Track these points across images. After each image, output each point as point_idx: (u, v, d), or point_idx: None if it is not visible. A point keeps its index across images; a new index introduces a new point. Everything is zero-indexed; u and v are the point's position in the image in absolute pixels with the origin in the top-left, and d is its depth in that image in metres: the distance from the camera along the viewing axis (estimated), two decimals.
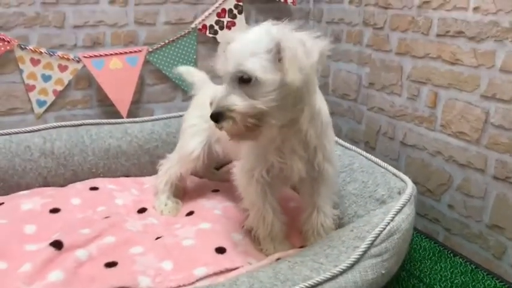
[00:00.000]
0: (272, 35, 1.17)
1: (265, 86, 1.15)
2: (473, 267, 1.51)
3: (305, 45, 1.15)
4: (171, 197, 1.76)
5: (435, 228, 1.78)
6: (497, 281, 1.44)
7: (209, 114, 1.18)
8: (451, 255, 1.58)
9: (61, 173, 1.87)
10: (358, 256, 1.23)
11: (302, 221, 1.52)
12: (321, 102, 1.34)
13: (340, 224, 1.54)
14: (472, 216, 1.62)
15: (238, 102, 1.15)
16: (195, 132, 1.70)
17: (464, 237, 1.66)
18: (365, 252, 1.24)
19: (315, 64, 1.16)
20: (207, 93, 1.61)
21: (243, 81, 1.15)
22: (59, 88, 2.03)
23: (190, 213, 1.69)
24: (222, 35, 2.22)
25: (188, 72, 1.87)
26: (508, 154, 1.48)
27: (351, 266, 1.22)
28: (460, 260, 1.55)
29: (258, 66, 1.14)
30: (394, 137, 1.96)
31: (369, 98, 2.09)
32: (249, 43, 1.18)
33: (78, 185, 1.83)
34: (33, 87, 2.00)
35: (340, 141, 1.81)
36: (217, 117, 1.16)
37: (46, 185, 1.84)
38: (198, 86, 1.81)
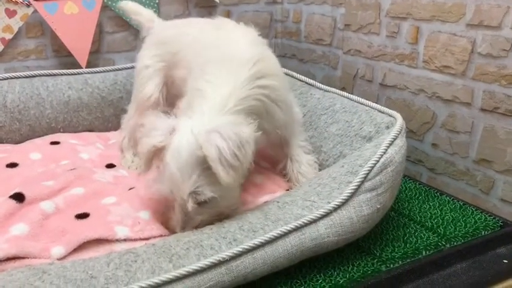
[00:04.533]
0: (197, 143, 1.07)
1: (223, 198, 1.13)
2: (461, 203, 1.47)
3: (230, 140, 1.04)
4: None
5: (418, 169, 1.73)
6: (486, 215, 1.40)
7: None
8: (438, 194, 1.54)
9: (16, 128, 1.69)
10: (352, 191, 1.15)
11: (279, 171, 1.49)
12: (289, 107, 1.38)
13: (325, 166, 1.47)
14: (458, 153, 1.58)
15: (200, 220, 1.14)
16: (150, 74, 1.57)
17: (450, 176, 1.62)
18: (359, 186, 1.16)
19: (249, 155, 1.07)
20: (164, 31, 1.61)
21: (200, 202, 1.11)
22: (8, 36, 1.83)
23: None
24: None
25: (134, 10, 1.71)
26: (496, 84, 1.42)
27: (345, 202, 1.14)
28: (447, 198, 1.51)
29: (209, 189, 1.09)
30: (373, 79, 1.88)
31: (345, 41, 2.00)
32: (184, 164, 1.08)
33: (37, 140, 1.68)
34: None
35: (319, 84, 1.71)
36: None
37: (0, 141, 1.67)
38: (147, 26, 1.68)
